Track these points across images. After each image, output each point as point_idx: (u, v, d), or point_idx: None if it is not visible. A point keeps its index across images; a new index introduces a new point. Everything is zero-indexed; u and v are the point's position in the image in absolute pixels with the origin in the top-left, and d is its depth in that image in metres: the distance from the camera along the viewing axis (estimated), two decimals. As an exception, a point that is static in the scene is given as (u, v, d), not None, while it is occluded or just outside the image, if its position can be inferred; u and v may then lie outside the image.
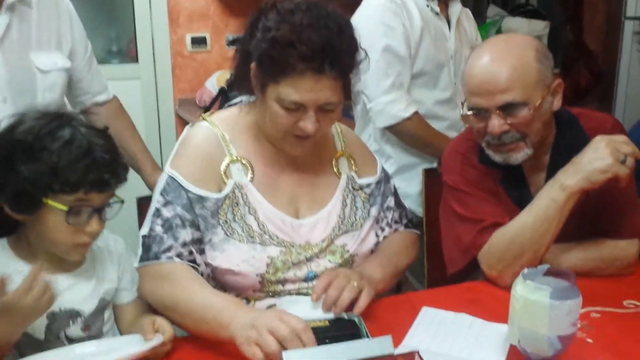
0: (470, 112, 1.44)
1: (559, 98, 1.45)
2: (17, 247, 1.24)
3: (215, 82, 3.25)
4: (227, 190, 1.34)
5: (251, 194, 1.36)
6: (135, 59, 3.42)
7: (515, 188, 1.52)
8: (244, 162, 1.38)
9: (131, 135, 1.98)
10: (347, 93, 1.35)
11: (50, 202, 1.15)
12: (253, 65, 1.30)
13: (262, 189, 1.37)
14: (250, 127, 1.41)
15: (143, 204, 1.74)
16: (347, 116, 2.59)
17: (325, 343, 1.08)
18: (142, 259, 1.32)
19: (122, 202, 1.25)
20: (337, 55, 1.24)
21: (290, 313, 1.13)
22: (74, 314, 1.25)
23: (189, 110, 3.35)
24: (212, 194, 1.33)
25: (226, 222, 1.33)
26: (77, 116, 1.25)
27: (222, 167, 1.36)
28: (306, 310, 1.24)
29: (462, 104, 1.47)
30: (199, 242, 1.33)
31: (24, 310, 1.08)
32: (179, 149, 1.41)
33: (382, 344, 1.01)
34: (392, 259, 1.46)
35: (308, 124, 1.28)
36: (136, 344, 1.16)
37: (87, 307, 1.26)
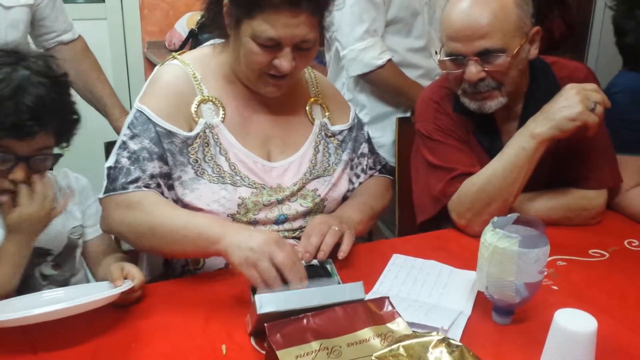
0: (447, 58, 1.42)
1: (536, 46, 1.44)
2: None
3: (185, 24, 3.16)
4: (197, 129, 1.32)
5: (222, 134, 1.34)
6: (101, -3, 3.29)
7: (488, 137, 1.52)
8: (215, 101, 1.35)
9: (97, 77, 1.93)
10: (321, 32, 1.32)
11: None
12: (226, 1, 1.27)
13: (234, 130, 1.35)
14: (223, 68, 1.38)
15: (111, 148, 1.71)
16: (321, 63, 2.55)
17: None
18: (107, 190, 1.28)
19: (59, 156, 1.22)
20: None
21: (284, 240, 1.14)
22: (43, 253, 1.27)
23: (158, 53, 3.26)
24: (181, 131, 1.31)
25: (196, 161, 1.31)
26: (32, 58, 1.19)
27: (193, 106, 1.33)
28: None
29: (440, 49, 1.45)
30: (166, 177, 1.30)
31: (32, 219, 1.15)
32: (148, 86, 1.38)
33: (353, 290, 1.02)
34: (368, 202, 1.46)
35: (284, 63, 1.25)
36: (105, 290, 1.15)
37: (56, 245, 1.28)
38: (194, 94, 1.34)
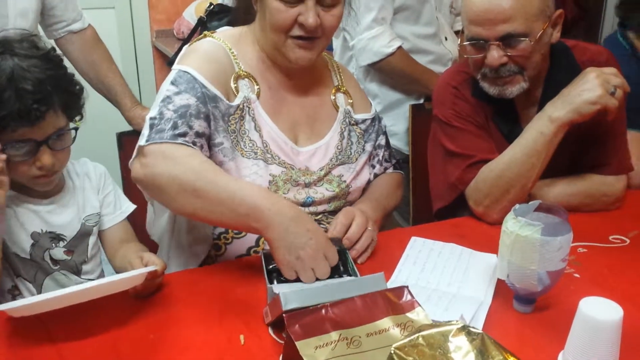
0: (468, 43, 1.39)
1: (559, 29, 1.41)
2: None
3: (193, 12, 3.14)
4: (237, 100, 1.31)
5: (257, 111, 1.34)
6: (109, -14, 3.27)
7: (507, 123, 1.50)
8: (251, 78, 1.35)
9: (108, 67, 1.91)
10: None
11: None
12: None
13: (267, 109, 1.36)
14: (254, 47, 1.39)
15: (124, 138, 1.70)
16: (330, 49, 2.52)
17: None
18: (152, 138, 1.19)
19: (76, 129, 1.22)
20: None
21: (331, 246, 1.14)
22: (55, 237, 1.29)
23: (166, 42, 3.24)
24: (224, 98, 1.29)
25: (234, 132, 1.30)
26: (16, 42, 1.19)
27: (232, 78, 1.33)
28: None
29: (461, 31, 1.43)
30: (209, 139, 1.27)
31: None
32: (186, 54, 1.35)
33: (375, 281, 1.01)
34: (382, 202, 1.45)
35: (309, 17, 1.25)
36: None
37: (69, 231, 1.30)
38: (232, 67, 1.34)
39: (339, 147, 1.43)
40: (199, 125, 1.23)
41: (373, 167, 1.52)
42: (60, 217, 1.29)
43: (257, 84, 1.35)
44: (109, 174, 1.41)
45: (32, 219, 1.27)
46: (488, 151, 1.46)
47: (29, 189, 1.27)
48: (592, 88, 1.31)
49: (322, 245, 1.13)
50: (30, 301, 1.00)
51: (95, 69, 1.89)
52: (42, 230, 1.28)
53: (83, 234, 1.33)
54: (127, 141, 1.68)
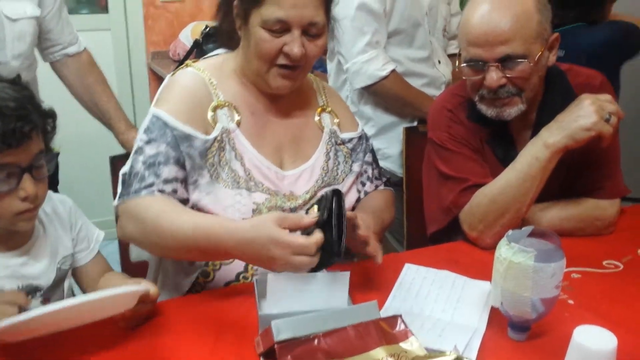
0: (466, 64, 1.40)
1: (555, 53, 1.43)
2: None
3: (189, 34, 3.16)
4: (215, 133, 1.31)
5: (238, 139, 1.34)
6: (105, 8, 3.29)
7: (502, 146, 1.50)
8: (230, 106, 1.35)
9: (103, 91, 1.92)
10: (328, 18, 1.33)
11: None
12: (236, 2, 1.30)
13: (249, 136, 1.35)
14: (236, 74, 1.39)
15: (117, 162, 1.70)
16: (324, 71, 2.54)
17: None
18: (120, 196, 1.27)
19: (57, 154, 1.17)
20: None
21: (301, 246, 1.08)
22: (32, 289, 1.20)
23: (162, 63, 3.25)
24: (199, 134, 1.29)
25: (212, 165, 1.30)
26: None
27: (210, 110, 1.32)
28: None
29: (459, 54, 1.44)
30: (183, 182, 1.28)
31: None
32: (162, 92, 1.36)
33: (368, 310, 1.00)
34: (380, 215, 1.44)
35: (294, 47, 1.25)
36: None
37: (45, 280, 1.21)
38: (210, 98, 1.34)
39: (325, 169, 1.42)
40: (168, 171, 1.25)
41: (363, 184, 1.51)
42: (35, 267, 1.19)
43: (238, 112, 1.35)
44: (75, 205, 1.33)
45: (5, 278, 1.16)
46: (482, 175, 1.46)
47: None
48: (587, 114, 1.32)
49: (281, 243, 1.08)
50: (13, 320, 0.93)
51: (90, 92, 1.89)
52: (18, 286, 1.17)
53: (59, 280, 1.25)
54: (120, 164, 1.65)
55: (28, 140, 1.09)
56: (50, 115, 1.17)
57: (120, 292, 1.01)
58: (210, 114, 1.32)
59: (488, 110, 1.43)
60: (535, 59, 1.35)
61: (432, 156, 1.56)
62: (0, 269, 1.16)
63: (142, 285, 1.07)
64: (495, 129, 1.49)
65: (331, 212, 1.09)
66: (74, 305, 0.95)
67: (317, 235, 1.06)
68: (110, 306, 1.02)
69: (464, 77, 1.44)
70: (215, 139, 1.31)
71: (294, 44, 1.26)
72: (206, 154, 1.29)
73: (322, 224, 1.08)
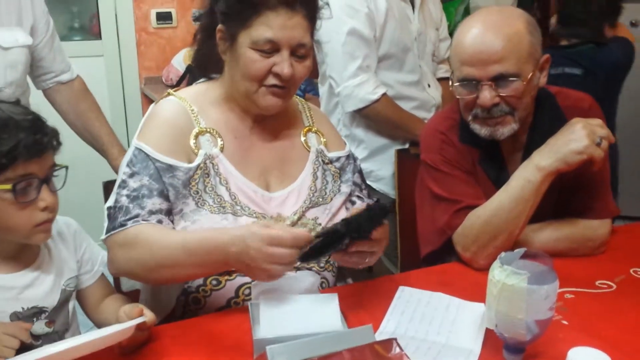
0: (459, 83, 1.41)
1: (545, 74, 1.45)
2: None
3: (182, 60, 3.18)
4: (198, 160, 1.32)
5: (222, 164, 1.34)
6: (98, 35, 3.32)
7: (494, 167, 1.51)
8: (213, 132, 1.36)
9: (96, 117, 1.92)
10: (313, 46, 1.36)
11: None
12: (220, 27, 1.32)
13: (233, 160, 1.36)
14: (220, 100, 1.40)
15: (110, 187, 1.69)
16: (316, 94, 2.56)
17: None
18: (108, 230, 1.28)
19: (66, 167, 1.20)
20: None
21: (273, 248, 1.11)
22: (37, 311, 1.20)
23: (155, 88, 3.27)
24: (182, 164, 1.30)
25: (197, 192, 1.31)
26: None
27: (192, 138, 1.33)
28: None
29: (451, 75, 1.45)
30: (168, 212, 1.29)
31: None
32: (145, 123, 1.38)
33: (363, 334, 1.00)
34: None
35: (285, 67, 1.27)
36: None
37: (50, 301, 1.22)
38: (191, 126, 1.35)
39: (313, 189, 1.42)
40: (152, 203, 1.27)
41: (353, 203, 1.50)
42: (40, 288, 1.21)
43: (220, 138, 1.36)
44: (80, 227, 1.35)
45: (8, 299, 1.17)
46: (475, 197, 1.47)
47: (1, 264, 1.19)
48: (578, 138, 1.34)
49: (264, 248, 1.11)
50: None
51: (82, 119, 1.90)
52: (22, 308, 1.18)
53: (63, 301, 1.26)
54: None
55: (46, 151, 1.15)
56: (56, 130, 1.22)
57: (119, 329, 1.03)
58: (192, 141, 1.33)
59: (482, 130, 1.44)
60: (527, 79, 1.37)
61: (425, 178, 1.56)
62: (5, 290, 1.17)
63: (141, 318, 1.08)
64: (487, 150, 1.50)
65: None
66: (75, 347, 0.97)
67: (298, 230, 1.08)
68: (108, 341, 1.03)
69: (457, 97, 1.46)
70: (198, 166, 1.32)
71: (284, 64, 1.27)
72: (189, 183, 1.30)
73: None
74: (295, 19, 1.27)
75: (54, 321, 1.23)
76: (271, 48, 1.27)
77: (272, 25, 1.25)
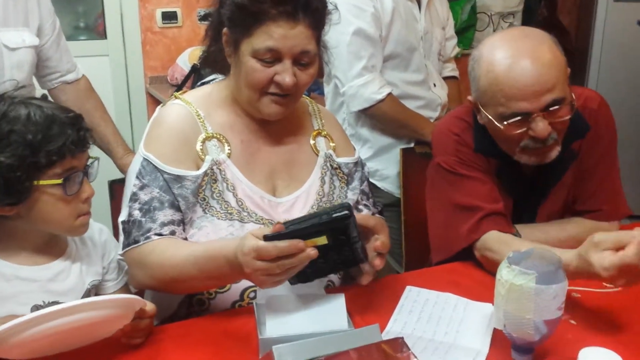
0: (513, 120, 1.31)
1: None
2: None
3: (187, 59, 3.18)
4: (205, 167, 1.31)
5: (229, 170, 1.33)
6: (103, 34, 3.31)
7: (510, 179, 1.47)
8: (220, 137, 1.35)
9: (101, 117, 1.92)
10: (320, 52, 1.34)
11: (42, 182, 1.12)
12: (225, 30, 1.30)
13: (240, 165, 1.35)
14: (226, 102, 1.39)
15: (115, 186, 1.70)
16: (321, 94, 2.55)
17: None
18: (124, 246, 1.30)
19: (98, 159, 1.24)
20: (309, 1, 1.24)
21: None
22: None
23: (160, 88, 3.27)
24: (189, 172, 1.30)
25: (204, 199, 1.31)
26: (12, 93, 1.20)
27: (198, 144, 1.33)
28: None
29: (480, 109, 1.38)
30: (180, 223, 1.29)
31: None
32: (151, 129, 1.37)
33: (370, 333, 0.99)
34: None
35: (286, 77, 1.25)
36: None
37: (72, 298, 1.22)
38: (198, 132, 1.34)
39: (320, 193, 1.41)
40: (163, 215, 1.28)
41: (359, 211, 1.48)
42: (64, 283, 1.22)
43: (227, 143, 1.35)
44: (111, 235, 1.37)
45: (31, 291, 1.18)
46: (493, 200, 1.43)
47: (28, 256, 1.20)
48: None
49: (249, 264, 1.08)
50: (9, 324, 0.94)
51: (88, 118, 1.85)
52: (44, 302, 1.19)
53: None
54: (118, 189, 1.66)
55: (87, 145, 1.20)
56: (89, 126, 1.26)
57: (113, 297, 1.05)
58: (199, 146, 1.32)
59: (531, 159, 1.37)
60: (571, 98, 1.32)
61: (439, 182, 1.51)
62: (27, 282, 1.18)
63: (136, 297, 1.09)
64: (505, 162, 1.45)
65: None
66: (70, 306, 0.97)
67: (281, 243, 1.04)
68: (106, 315, 1.03)
69: (506, 135, 1.35)
70: (205, 173, 1.31)
71: (285, 73, 1.25)
72: (198, 191, 1.30)
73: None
74: (298, 28, 1.24)
75: None
76: (272, 57, 1.25)
77: (273, 35, 1.23)
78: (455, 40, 2.44)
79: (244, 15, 1.25)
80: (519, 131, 1.33)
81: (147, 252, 1.25)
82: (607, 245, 1.11)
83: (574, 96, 1.35)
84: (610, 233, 1.13)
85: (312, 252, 1.05)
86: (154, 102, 3.36)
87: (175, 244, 1.26)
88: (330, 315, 1.13)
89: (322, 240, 1.06)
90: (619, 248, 1.10)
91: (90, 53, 3.19)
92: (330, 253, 1.09)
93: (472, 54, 1.42)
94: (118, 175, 1.86)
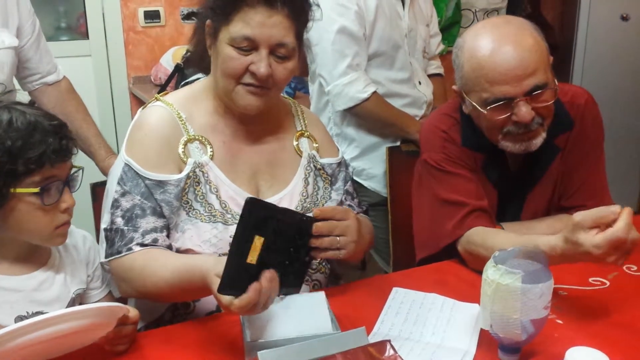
0: (496, 105, 1.32)
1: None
2: None
3: (170, 59, 3.14)
4: (187, 170, 1.30)
5: (212, 172, 1.32)
6: (85, 35, 3.27)
7: (497, 171, 1.48)
8: (201, 139, 1.33)
9: (83, 119, 1.89)
10: (300, 48, 1.32)
11: (19, 190, 1.10)
12: (208, 22, 1.30)
13: (223, 166, 1.34)
14: (208, 102, 1.37)
15: (98, 189, 1.68)
16: (306, 92, 2.55)
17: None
18: (107, 255, 1.28)
19: (82, 168, 1.21)
20: None
21: None
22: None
23: (144, 88, 3.24)
24: (172, 176, 1.28)
25: (187, 202, 1.29)
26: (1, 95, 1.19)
27: (180, 147, 1.31)
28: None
29: (463, 95, 1.39)
30: (163, 229, 1.28)
31: None
32: (132, 132, 1.35)
33: (356, 336, 0.99)
34: (366, 235, 1.39)
35: (261, 66, 1.24)
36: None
37: (56, 308, 1.19)
38: (179, 134, 1.32)
39: (304, 194, 1.40)
40: (145, 223, 1.27)
41: None
42: (48, 292, 1.19)
43: (210, 144, 1.34)
44: (95, 243, 1.35)
45: (16, 301, 1.16)
46: (479, 197, 1.43)
47: (9, 265, 1.17)
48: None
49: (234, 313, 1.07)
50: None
51: (69, 120, 1.84)
52: (27, 312, 1.16)
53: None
54: (101, 192, 1.64)
55: (69, 154, 1.16)
56: (73, 135, 1.23)
57: (95, 306, 1.02)
58: (181, 149, 1.31)
59: (515, 146, 1.37)
60: (553, 84, 1.33)
61: (425, 179, 1.51)
62: (10, 292, 1.16)
63: (118, 304, 1.07)
64: (491, 155, 1.45)
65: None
66: (54, 316, 0.95)
67: (248, 294, 1.02)
68: (89, 324, 1.01)
69: (490, 120, 1.36)
70: (187, 175, 1.29)
71: (260, 63, 1.25)
72: (181, 195, 1.29)
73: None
74: (276, 17, 1.23)
75: None
76: (249, 46, 1.24)
77: (250, 23, 1.23)
78: (439, 38, 2.43)
79: (224, 1, 1.25)
80: (502, 116, 1.34)
81: (128, 267, 1.25)
82: (589, 223, 1.11)
83: (556, 83, 1.36)
84: (588, 211, 1.13)
85: (269, 274, 1.04)
86: (138, 102, 3.33)
87: (154, 259, 1.24)
88: (313, 314, 1.13)
89: (259, 241, 1.05)
90: (601, 224, 1.11)
91: (72, 54, 3.15)
92: (276, 248, 1.09)
93: (455, 42, 1.43)
94: (100, 177, 1.83)
